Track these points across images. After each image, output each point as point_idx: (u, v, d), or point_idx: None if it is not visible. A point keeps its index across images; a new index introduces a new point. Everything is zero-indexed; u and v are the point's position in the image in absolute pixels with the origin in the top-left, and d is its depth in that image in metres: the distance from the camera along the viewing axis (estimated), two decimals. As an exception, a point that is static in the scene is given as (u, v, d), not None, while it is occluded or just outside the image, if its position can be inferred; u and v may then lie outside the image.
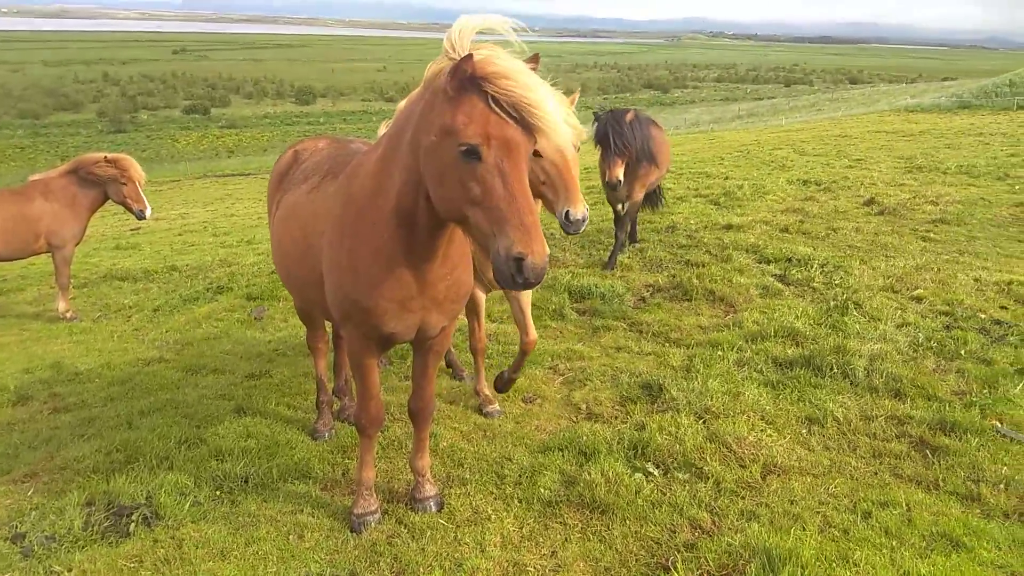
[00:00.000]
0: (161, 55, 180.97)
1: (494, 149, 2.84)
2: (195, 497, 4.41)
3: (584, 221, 4.21)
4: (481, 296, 5.41)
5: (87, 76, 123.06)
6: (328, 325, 5.41)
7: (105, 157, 9.62)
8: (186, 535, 4.05)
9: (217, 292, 10.11)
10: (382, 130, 4.22)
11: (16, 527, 4.22)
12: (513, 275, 2.81)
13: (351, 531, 4.05)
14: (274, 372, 6.74)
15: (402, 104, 3.61)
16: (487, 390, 5.66)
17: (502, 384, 5.66)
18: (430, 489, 4.24)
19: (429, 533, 3.97)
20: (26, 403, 6.53)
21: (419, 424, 4.22)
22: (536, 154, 3.75)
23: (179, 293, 10.45)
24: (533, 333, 5.42)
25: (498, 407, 5.56)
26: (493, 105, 2.85)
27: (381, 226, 3.44)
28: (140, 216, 9.80)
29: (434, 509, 4.18)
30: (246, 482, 4.59)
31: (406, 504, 4.27)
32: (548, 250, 2.83)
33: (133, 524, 4.15)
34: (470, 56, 2.82)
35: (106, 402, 6.36)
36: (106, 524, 4.18)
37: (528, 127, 2.88)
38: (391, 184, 3.36)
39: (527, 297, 5.40)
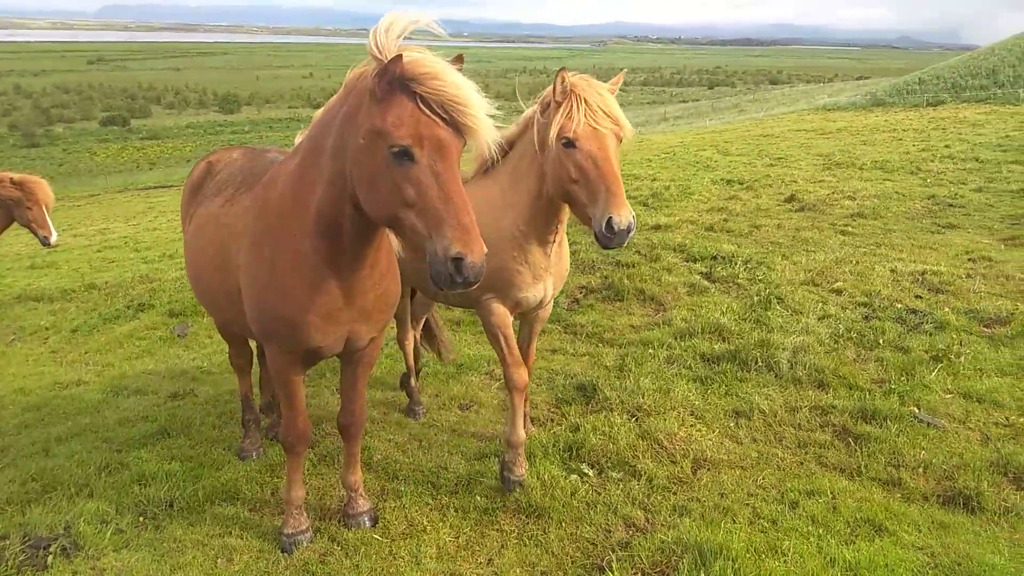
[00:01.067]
0: (76, 65, 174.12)
1: (427, 150, 2.82)
2: (117, 525, 4.23)
3: (631, 232, 3.56)
4: (505, 316, 4.29)
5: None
6: (253, 341, 5.28)
7: (11, 178, 9.07)
8: (107, 565, 3.88)
9: (138, 310, 9.78)
10: (299, 139, 4.12)
11: (-79, 569, 3.98)
12: (452, 275, 2.78)
13: (282, 551, 3.94)
14: (199, 391, 6.53)
15: (319, 112, 3.54)
16: (521, 454, 4.42)
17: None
18: (363, 504, 4.16)
19: (363, 549, 3.89)
20: (-67, 434, 6.16)
21: (350, 439, 4.12)
22: (569, 144, 3.65)
23: (98, 312, 10.07)
24: (526, 365, 4.54)
25: (522, 474, 4.39)
26: (423, 106, 2.82)
27: (302, 236, 3.36)
28: (44, 243, 9.28)
29: (368, 524, 4.10)
30: (171, 506, 4.42)
31: (339, 521, 4.18)
32: (486, 249, 2.81)
33: (51, 556, 3.95)
34: (399, 57, 2.79)
35: (20, 429, 6.06)
36: (22, 558, 3.96)
37: (458, 127, 2.87)
38: (312, 192, 3.28)
39: (539, 326, 4.76)
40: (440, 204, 2.79)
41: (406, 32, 2.95)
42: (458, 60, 3.01)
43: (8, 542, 4.10)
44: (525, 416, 4.68)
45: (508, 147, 4.20)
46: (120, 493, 4.57)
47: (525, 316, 4.60)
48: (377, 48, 2.89)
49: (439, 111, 2.83)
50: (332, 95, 3.41)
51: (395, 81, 2.82)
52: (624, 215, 3.52)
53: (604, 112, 3.69)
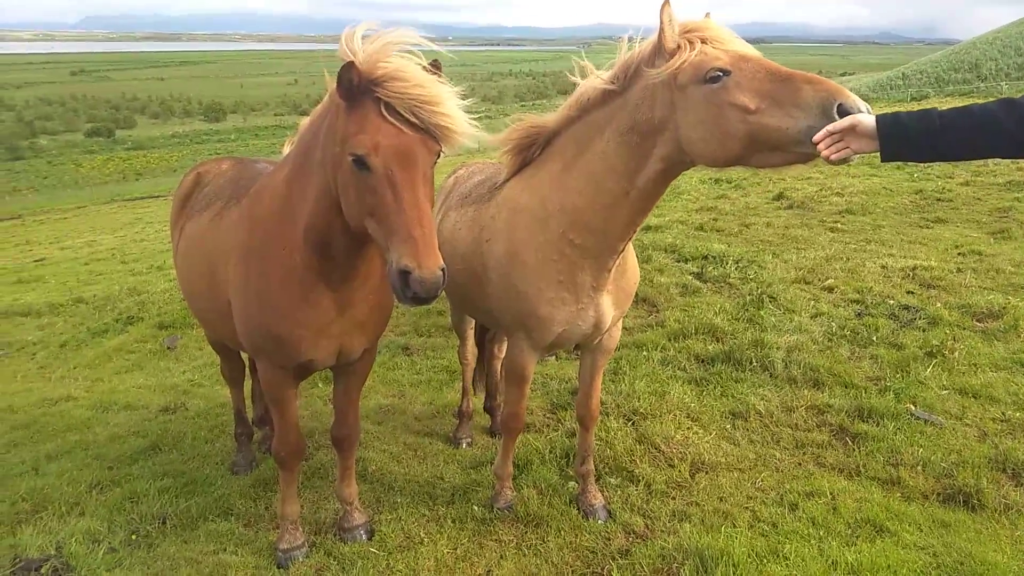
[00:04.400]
0: (58, 77, 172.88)
1: (383, 158, 2.74)
2: (109, 543, 4.16)
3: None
4: (528, 360, 3.86)
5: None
6: (245, 354, 5.22)
7: None
8: (100, 585, 3.82)
9: (127, 323, 9.70)
10: (287, 148, 4.06)
11: (-93, 596, 3.90)
12: (401, 289, 2.72)
13: (277, 567, 3.87)
14: (190, 404, 6.46)
15: (305, 121, 3.49)
16: (508, 483, 4.30)
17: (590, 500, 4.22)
18: (359, 517, 4.10)
19: (360, 563, 3.83)
20: (-81, 455, 6.07)
21: (344, 452, 4.07)
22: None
23: (87, 326, 9.98)
24: (588, 408, 4.04)
25: (506, 503, 4.25)
26: (385, 111, 2.75)
27: (292, 250, 3.31)
28: None
29: (364, 537, 4.05)
30: (164, 523, 4.36)
31: (335, 534, 4.12)
32: (441, 264, 2.72)
33: (41, 579, 3.89)
34: (351, 63, 2.72)
35: (9, 447, 5.97)
36: (12, 581, 3.91)
37: (428, 128, 2.79)
38: (302, 203, 3.23)
39: (604, 358, 4.11)
40: (394, 214, 2.72)
41: (388, 41, 2.85)
42: (435, 66, 2.92)
43: (-2, 564, 4.04)
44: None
45: (548, 138, 3.57)
46: (112, 511, 4.50)
47: (584, 346, 4.01)
48: (347, 53, 2.83)
49: (405, 114, 2.75)
50: (317, 102, 3.35)
51: (353, 88, 2.75)
52: None
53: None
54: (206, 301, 3.98)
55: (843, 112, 2.49)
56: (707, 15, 3.00)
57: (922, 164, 13.97)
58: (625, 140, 3.13)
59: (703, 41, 2.83)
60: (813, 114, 2.54)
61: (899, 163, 14.36)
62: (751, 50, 2.85)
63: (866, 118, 2.44)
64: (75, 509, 4.60)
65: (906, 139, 2.43)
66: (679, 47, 2.85)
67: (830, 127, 2.47)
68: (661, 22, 2.89)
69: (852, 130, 2.45)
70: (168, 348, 8.50)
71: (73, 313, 11.04)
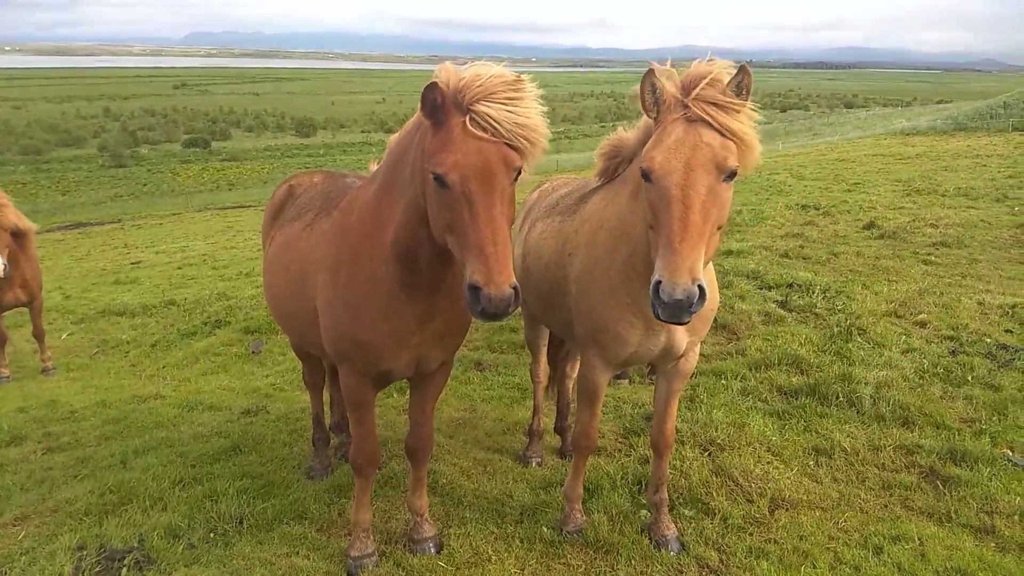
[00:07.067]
0: (162, 90, 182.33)
1: (461, 176, 2.79)
2: (188, 540, 4.31)
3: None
4: (601, 377, 3.82)
5: (88, 112, 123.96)
6: (325, 361, 5.33)
7: None
8: (178, 581, 3.93)
9: (215, 326, 10.06)
10: (373, 166, 4.16)
11: (5, 573, 4.11)
12: (472, 304, 2.77)
13: (347, 574, 3.92)
14: (271, 408, 6.64)
15: (394, 138, 3.56)
16: (578, 506, 4.22)
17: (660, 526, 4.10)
18: (429, 530, 4.12)
19: (428, 576, 3.84)
20: (20, 443, 6.43)
21: (417, 462, 4.10)
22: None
23: (177, 328, 10.40)
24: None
25: (575, 527, 4.16)
26: (468, 127, 2.81)
27: (379, 261, 3.38)
28: None
29: (433, 551, 4.06)
30: (241, 523, 4.48)
31: (404, 545, 4.14)
32: (513, 282, 2.74)
33: (125, 569, 4.04)
34: (434, 83, 2.80)
35: (100, 441, 6.26)
36: (97, 569, 4.06)
37: (509, 142, 2.83)
38: (390, 217, 3.31)
39: (680, 383, 3.95)
40: (470, 231, 2.79)
41: (473, 66, 2.93)
42: (519, 82, 2.94)
43: (85, 552, 4.22)
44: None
45: (630, 157, 3.47)
46: (192, 508, 4.65)
47: (660, 369, 3.94)
48: (436, 76, 2.91)
49: (488, 128, 2.80)
50: (403, 120, 3.43)
51: (439, 107, 2.83)
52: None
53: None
54: (294, 307, 4.09)
55: None
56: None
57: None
58: None
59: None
60: None
61: (999, 196, 13.71)
62: None
63: None
64: (158, 504, 4.78)
65: None
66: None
67: None
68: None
69: None
70: (253, 352, 8.78)
71: (165, 315, 11.53)
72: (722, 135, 2.85)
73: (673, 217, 2.78)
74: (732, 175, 2.88)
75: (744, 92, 2.88)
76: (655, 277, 2.78)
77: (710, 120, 2.85)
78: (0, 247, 8.08)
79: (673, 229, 2.77)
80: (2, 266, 8.07)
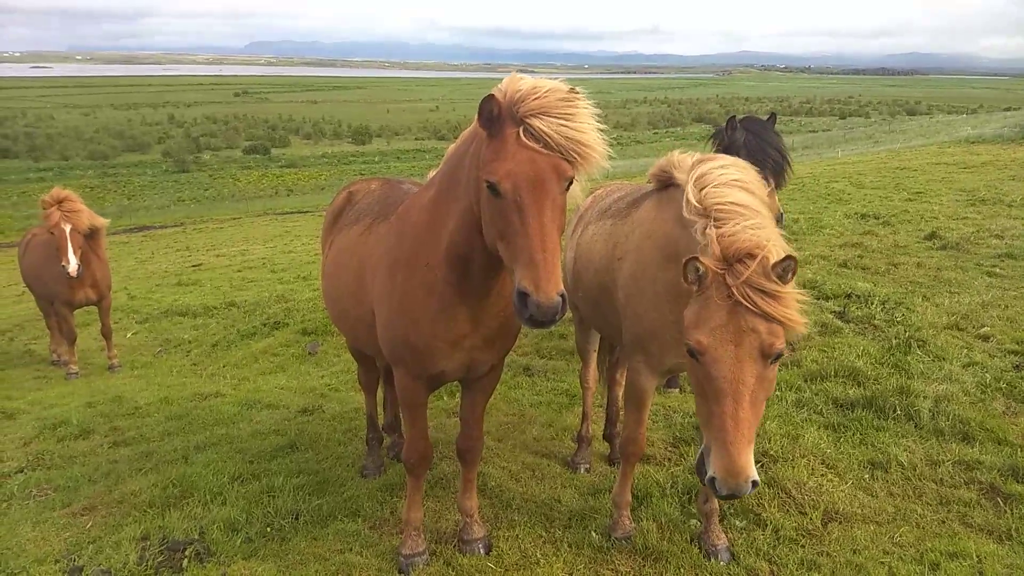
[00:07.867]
0: (223, 97, 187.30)
1: (512, 184, 2.86)
2: (246, 533, 4.45)
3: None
4: (648, 383, 3.88)
5: (153, 119, 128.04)
6: (380, 362, 5.44)
7: (43, 199, 8.75)
8: (236, 572, 4.06)
9: (274, 327, 10.31)
10: (431, 173, 4.25)
11: (74, 560, 4.30)
12: (520, 310, 2.82)
13: (399, 572, 4.00)
14: (326, 407, 6.79)
15: (452, 146, 3.65)
16: (627, 513, 4.23)
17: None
18: (478, 531, 4.18)
19: (477, 577, 3.90)
20: (88, 436, 6.70)
21: (467, 464, 4.18)
22: None
23: (237, 328, 10.69)
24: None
25: (625, 533, 4.18)
26: (522, 137, 2.88)
27: (434, 264, 3.47)
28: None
29: (482, 552, 4.12)
30: (296, 519, 4.61)
31: (454, 545, 4.21)
32: (560, 290, 2.79)
33: (186, 560, 4.20)
34: (491, 95, 2.89)
35: (164, 436, 6.49)
36: (160, 559, 4.23)
37: (562, 151, 2.89)
38: (445, 223, 3.40)
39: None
40: (520, 239, 2.85)
41: (529, 79, 3.00)
42: (573, 92, 3.00)
43: (149, 543, 4.39)
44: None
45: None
46: (250, 503, 4.80)
47: None
48: (496, 90, 2.99)
49: (542, 138, 2.86)
50: (456, 127, 3.51)
51: (496, 117, 2.91)
52: None
53: None
54: (351, 309, 4.21)
55: None
56: None
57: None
58: None
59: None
60: None
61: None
62: None
63: None
64: (218, 498, 4.94)
65: None
66: None
67: None
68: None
69: None
70: (310, 353, 8.98)
71: (225, 316, 11.87)
72: (768, 320, 2.76)
73: (725, 410, 2.85)
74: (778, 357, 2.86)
75: (789, 275, 2.80)
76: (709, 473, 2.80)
77: (755, 309, 2.75)
78: (74, 248, 8.46)
79: (726, 416, 2.83)
80: (75, 266, 8.46)
